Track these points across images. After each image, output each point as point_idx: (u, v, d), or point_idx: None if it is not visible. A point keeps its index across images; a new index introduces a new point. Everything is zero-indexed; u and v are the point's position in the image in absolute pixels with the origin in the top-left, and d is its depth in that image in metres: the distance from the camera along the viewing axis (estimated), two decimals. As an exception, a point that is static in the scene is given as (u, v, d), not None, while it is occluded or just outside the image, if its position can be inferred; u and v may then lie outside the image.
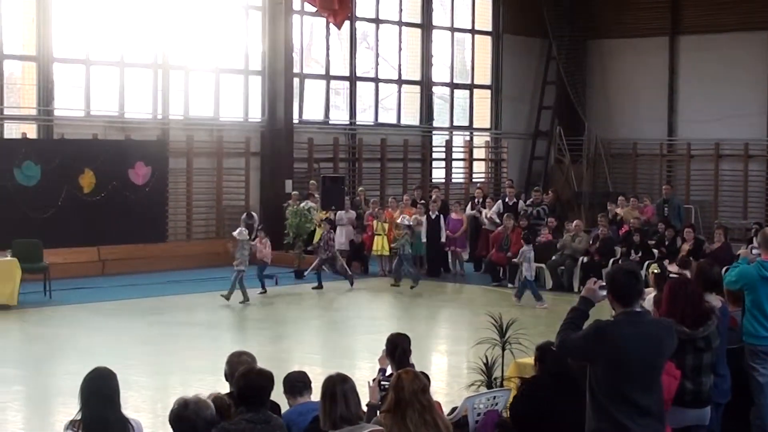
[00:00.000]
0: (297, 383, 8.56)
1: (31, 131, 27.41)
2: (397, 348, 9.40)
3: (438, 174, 36.79)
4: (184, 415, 6.64)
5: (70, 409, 7.15)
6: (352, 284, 25.22)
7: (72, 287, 23.70)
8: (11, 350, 18.38)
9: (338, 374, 7.30)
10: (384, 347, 9.63)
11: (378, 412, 7.71)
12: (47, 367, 16.65)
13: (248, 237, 23.36)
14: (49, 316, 21.00)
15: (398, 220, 26.14)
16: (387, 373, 9.38)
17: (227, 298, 22.34)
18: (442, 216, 27.53)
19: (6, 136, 26.99)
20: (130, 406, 7.27)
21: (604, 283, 7.51)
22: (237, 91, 31.60)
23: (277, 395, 8.40)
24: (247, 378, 7.42)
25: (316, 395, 8.64)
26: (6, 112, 27.18)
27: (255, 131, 31.67)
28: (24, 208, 25.70)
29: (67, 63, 27.99)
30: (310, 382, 8.66)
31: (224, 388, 8.72)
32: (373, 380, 9.22)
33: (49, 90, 27.29)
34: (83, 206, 27.05)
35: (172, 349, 18.18)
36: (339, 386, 7.10)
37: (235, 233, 23.33)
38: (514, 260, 24.15)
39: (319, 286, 25.03)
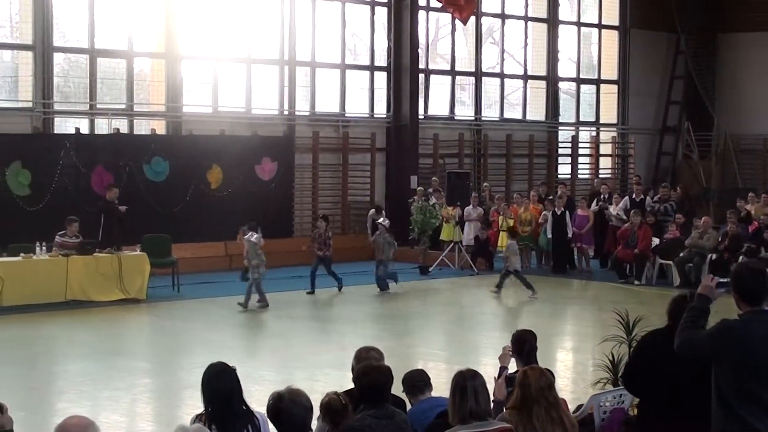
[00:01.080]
0: (417, 382, 8.53)
1: (160, 127, 27.87)
2: (525, 344, 9.28)
3: (564, 170, 36.51)
4: (282, 407, 6.65)
5: (198, 402, 7.23)
6: (340, 288, 23.82)
7: (199, 282, 24.03)
8: (140, 343, 18.69)
9: (468, 370, 7.24)
10: (504, 345, 9.54)
11: (504, 408, 7.63)
12: (175, 360, 16.87)
13: (258, 241, 21.50)
14: (177, 309, 21.30)
15: (379, 221, 24.95)
16: (513, 370, 9.29)
17: (244, 306, 21.05)
18: (567, 212, 27.28)
19: (136, 132, 27.49)
20: (255, 399, 7.30)
21: (722, 280, 7.30)
22: (363, 87, 31.73)
23: (399, 392, 8.38)
24: (366, 375, 7.40)
25: (436, 392, 8.62)
26: (136, 108, 27.68)
27: (380, 127, 31.75)
28: (153, 203, 26.12)
29: (195, 60, 28.41)
30: (429, 379, 8.62)
31: (349, 382, 8.72)
32: (500, 376, 9.14)
33: (178, 87, 27.73)
34: (211, 202, 27.41)
35: (297, 344, 18.30)
36: (469, 381, 7.03)
37: (244, 237, 21.51)
38: (500, 254, 24.30)
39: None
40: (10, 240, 22.22)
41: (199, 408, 7.37)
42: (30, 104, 25.79)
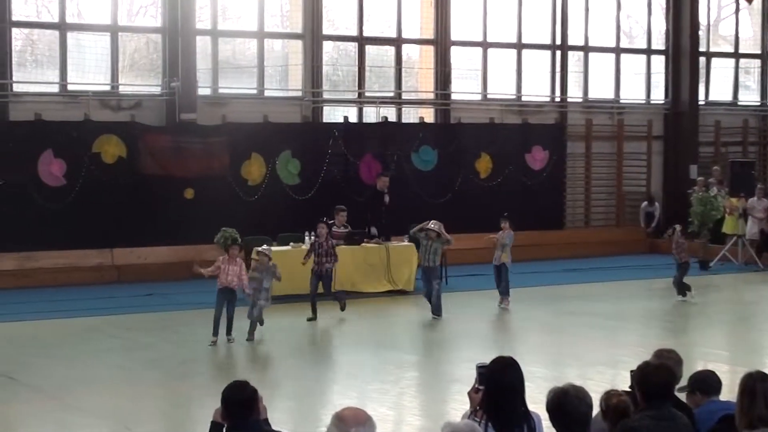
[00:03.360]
0: (711, 381, 8.31)
1: (429, 115, 28.18)
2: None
3: None
4: (566, 403, 6.57)
5: (466, 397, 7.21)
6: (343, 308, 19.71)
7: (467, 273, 24.15)
8: (408, 335, 18.92)
9: (758, 372, 6.99)
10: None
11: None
12: (442, 353, 17.03)
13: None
14: (444, 302, 21.41)
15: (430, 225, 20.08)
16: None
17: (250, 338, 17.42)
18: None
19: (404, 120, 27.87)
20: (527, 397, 7.25)
21: None
22: (638, 72, 31.25)
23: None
24: (649, 375, 7.26)
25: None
26: (404, 96, 28.07)
27: (657, 114, 31.23)
28: (421, 193, 26.44)
29: (464, 46, 28.58)
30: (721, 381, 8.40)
31: (623, 381, 8.62)
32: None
33: (447, 73, 27.97)
34: (479, 191, 27.55)
35: (570, 340, 18.19)
36: (759, 384, 6.80)
37: (259, 248, 18.16)
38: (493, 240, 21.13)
39: None
40: (279, 229, 22.93)
41: (467, 403, 7.37)
42: (300, 93, 26.56)
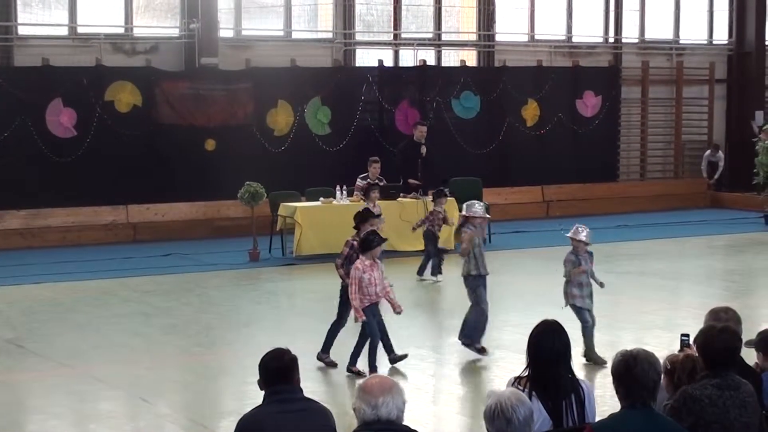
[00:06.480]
0: None
1: (471, 59, 28.01)
2: None
3: None
4: (635, 367, 6.49)
5: (512, 365, 7.16)
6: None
7: (512, 230, 24.08)
8: (447, 298, 18.83)
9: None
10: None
11: None
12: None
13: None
14: (488, 261, 21.34)
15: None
16: None
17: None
18: None
19: (444, 63, 27.72)
20: (577, 364, 7.17)
21: None
22: (700, 10, 30.94)
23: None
24: (709, 337, 7.19)
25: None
26: (444, 37, 27.90)
27: (720, 55, 30.99)
28: (462, 142, 26.33)
29: (509, -18, 28.40)
30: None
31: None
32: None
33: (491, 12, 27.75)
34: (526, 141, 27.43)
35: (624, 302, 18.08)
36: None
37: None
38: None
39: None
40: (308, 183, 22.89)
41: (513, 371, 7.32)
42: (330, 35, 26.44)
